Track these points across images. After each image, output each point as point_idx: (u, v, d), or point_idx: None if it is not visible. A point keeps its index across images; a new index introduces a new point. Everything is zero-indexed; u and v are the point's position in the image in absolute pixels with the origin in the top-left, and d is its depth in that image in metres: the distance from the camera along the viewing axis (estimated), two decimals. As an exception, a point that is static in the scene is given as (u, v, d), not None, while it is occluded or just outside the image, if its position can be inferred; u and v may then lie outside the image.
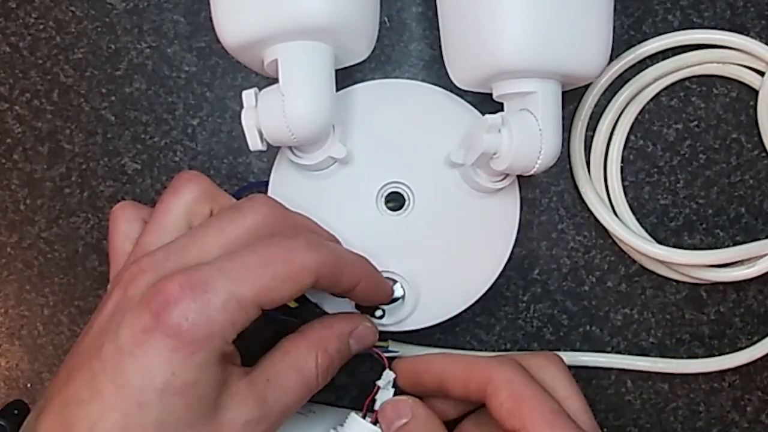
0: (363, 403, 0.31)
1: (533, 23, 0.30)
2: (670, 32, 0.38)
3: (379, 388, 0.31)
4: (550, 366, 0.30)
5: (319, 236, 0.30)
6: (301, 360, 0.28)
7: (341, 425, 0.31)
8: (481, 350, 0.38)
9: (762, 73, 0.38)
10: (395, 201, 0.35)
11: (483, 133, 0.31)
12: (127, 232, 0.30)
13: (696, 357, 0.39)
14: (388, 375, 0.32)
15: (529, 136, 0.31)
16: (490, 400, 0.28)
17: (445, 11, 0.34)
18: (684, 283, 0.39)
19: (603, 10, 0.31)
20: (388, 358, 0.32)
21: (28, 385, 0.39)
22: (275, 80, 0.31)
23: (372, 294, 0.31)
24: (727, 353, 0.39)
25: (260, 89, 0.31)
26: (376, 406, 0.31)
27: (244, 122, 0.31)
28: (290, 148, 0.33)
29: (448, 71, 0.34)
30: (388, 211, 0.35)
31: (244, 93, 0.31)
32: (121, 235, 0.30)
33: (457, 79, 0.34)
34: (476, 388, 0.28)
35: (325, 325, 0.30)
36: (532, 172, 0.31)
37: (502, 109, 0.33)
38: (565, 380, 0.30)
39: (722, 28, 0.38)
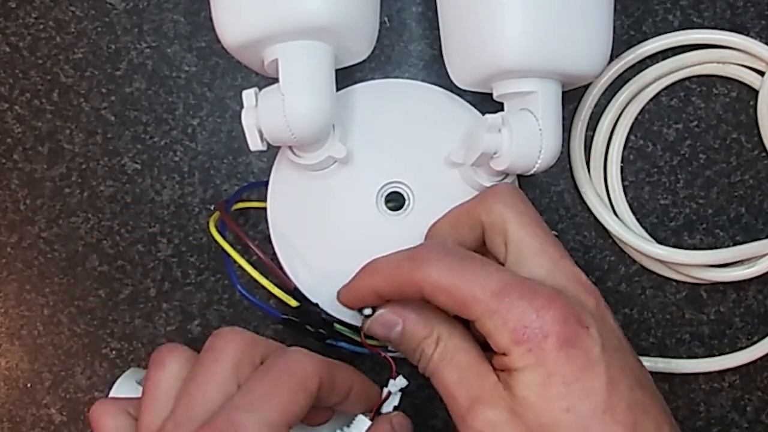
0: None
1: (533, 23, 0.30)
2: (670, 32, 0.38)
3: (390, 393, 0.31)
4: (496, 207, 0.30)
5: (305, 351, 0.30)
6: None
7: (347, 426, 0.31)
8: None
9: (762, 73, 0.38)
10: (395, 201, 0.35)
11: (483, 132, 0.31)
12: (118, 427, 0.29)
13: (696, 357, 0.39)
14: (400, 382, 0.31)
15: (529, 136, 0.31)
16: (432, 303, 0.28)
17: (445, 11, 0.34)
18: (684, 283, 0.39)
19: (603, 10, 0.32)
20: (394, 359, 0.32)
21: (28, 385, 0.39)
22: (275, 80, 0.31)
23: (365, 397, 0.31)
24: (727, 353, 0.39)
25: (260, 89, 0.31)
26: (383, 409, 0.31)
27: (244, 122, 0.31)
28: (290, 147, 0.33)
29: (448, 71, 0.34)
30: (389, 211, 0.35)
31: (244, 93, 0.31)
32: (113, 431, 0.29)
33: (457, 79, 0.34)
34: (416, 296, 0.28)
35: None
36: (532, 172, 0.31)
37: (502, 109, 0.33)
38: (514, 221, 0.29)
39: (722, 28, 0.38)
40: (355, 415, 0.31)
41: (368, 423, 0.30)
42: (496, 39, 0.30)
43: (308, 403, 0.27)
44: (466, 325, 0.30)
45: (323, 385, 0.27)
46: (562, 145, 0.38)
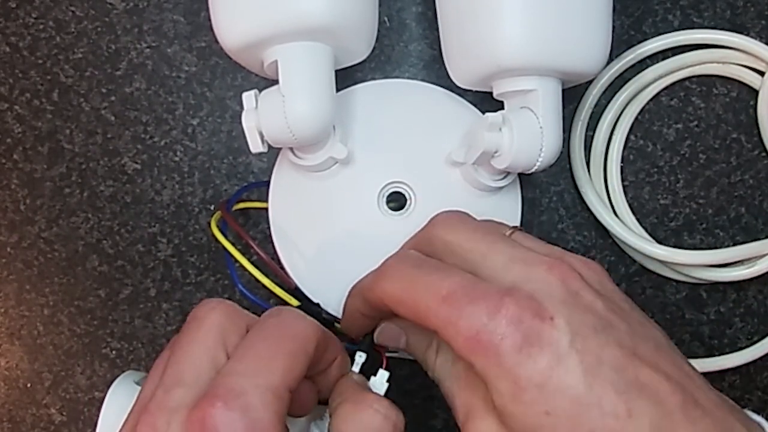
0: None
1: (533, 21, 0.30)
2: (670, 32, 0.38)
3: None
4: (435, 235, 0.29)
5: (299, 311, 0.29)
6: (364, 424, 0.26)
7: (320, 419, 0.30)
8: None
9: (762, 73, 0.38)
10: (397, 201, 0.35)
11: (484, 131, 0.31)
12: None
13: (696, 357, 0.39)
14: (384, 374, 0.31)
15: (530, 134, 0.31)
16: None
17: (445, 10, 0.34)
18: (684, 283, 0.39)
19: (602, 8, 0.32)
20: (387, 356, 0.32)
21: (28, 385, 0.39)
22: (275, 81, 0.31)
23: (343, 370, 0.30)
24: (727, 353, 0.39)
25: (260, 90, 0.31)
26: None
27: (244, 124, 0.31)
28: (291, 149, 0.33)
29: (448, 70, 0.34)
30: (390, 211, 0.35)
31: (244, 95, 0.31)
32: None
33: (457, 78, 0.34)
34: (390, 311, 0.28)
35: (340, 391, 0.29)
36: (533, 170, 0.31)
37: (502, 108, 0.33)
38: (453, 238, 0.28)
39: (722, 28, 0.38)
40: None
41: None
42: (496, 37, 0.30)
43: (307, 366, 0.25)
44: None
45: (319, 347, 0.26)
46: (562, 145, 0.38)
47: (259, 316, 0.27)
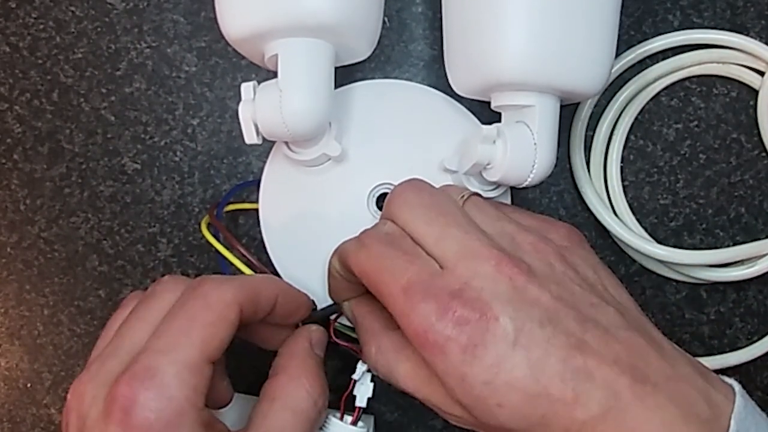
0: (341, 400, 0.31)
1: (535, 38, 0.30)
2: (670, 32, 0.38)
3: (355, 382, 0.31)
4: (396, 214, 0.29)
5: (218, 276, 0.30)
6: (291, 398, 0.28)
7: (320, 429, 0.30)
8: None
9: (762, 73, 0.38)
10: None
11: (478, 143, 0.31)
12: None
13: (696, 357, 0.39)
14: (362, 366, 0.31)
15: (523, 150, 0.31)
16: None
17: (450, 19, 0.34)
18: (684, 283, 0.39)
19: (607, 30, 0.31)
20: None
21: (28, 385, 0.39)
22: (275, 74, 0.31)
23: (293, 307, 0.31)
24: (727, 353, 0.39)
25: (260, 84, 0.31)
26: (357, 402, 0.31)
27: (241, 115, 0.31)
28: (285, 143, 0.33)
29: (449, 78, 0.34)
30: (379, 212, 0.35)
31: (243, 86, 0.31)
32: None
33: (457, 86, 0.34)
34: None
35: (288, 354, 0.30)
36: (524, 185, 0.31)
37: (499, 118, 0.33)
38: (410, 219, 0.28)
39: (722, 28, 0.38)
40: (327, 417, 0.30)
41: (339, 424, 0.30)
42: (497, 51, 0.30)
43: (230, 332, 0.26)
44: None
45: (245, 309, 0.27)
46: (562, 145, 0.38)
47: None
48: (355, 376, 0.31)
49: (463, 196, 0.30)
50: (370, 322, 0.31)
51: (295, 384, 0.28)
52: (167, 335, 0.25)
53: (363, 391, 0.31)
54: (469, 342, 0.24)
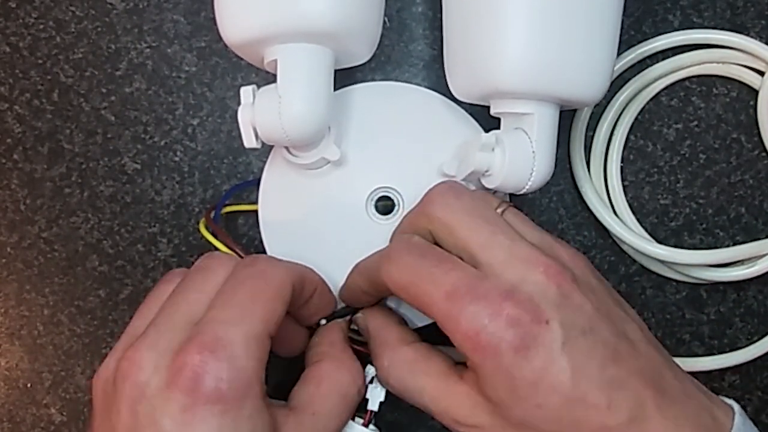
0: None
1: (536, 46, 0.30)
2: (670, 32, 0.38)
3: (367, 387, 0.31)
4: (435, 213, 0.29)
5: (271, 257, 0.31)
6: (338, 382, 0.29)
7: None
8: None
9: (762, 73, 0.38)
10: (385, 206, 0.35)
11: (476, 150, 0.31)
12: None
13: (696, 357, 0.39)
14: (370, 370, 0.31)
15: (521, 157, 0.31)
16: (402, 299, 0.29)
17: (450, 25, 0.33)
18: (684, 283, 0.39)
19: (607, 38, 0.31)
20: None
21: (28, 385, 0.39)
22: (275, 77, 0.31)
23: (325, 301, 0.32)
24: (727, 353, 0.39)
25: (260, 87, 0.31)
26: (369, 406, 0.31)
27: (240, 119, 0.31)
28: (285, 146, 0.33)
29: (448, 83, 0.34)
30: (378, 216, 0.35)
31: (243, 89, 0.31)
32: None
33: (456, 92, 0.34)
34: (388, 293, 0.29)
35: (329, 343, 0.31)
36: (522, 192, 0.31)
37: (498, 123, 0.33)
38: (454, 221, 0.28)
39: (722, 28, 0.38)
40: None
41: (351, 424, 0.30)
42: (497, 59, 0.30)
43: (285, 310, 0.27)
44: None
45: (296, 288, 0.28)
46: (562, 146, 0.38)
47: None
48: (367, 381, 0.31)
49: (501, 205, 0.30)
50: (385, 335, 0.31)
51: (342, 369, 0.29)
52: (231, 307, 0.26)
53: (376, 395, 0.31)
54: (522, 343, 0.25)
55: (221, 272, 0.28)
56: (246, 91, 0.31)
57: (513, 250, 0.27)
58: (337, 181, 0.34)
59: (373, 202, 0.35)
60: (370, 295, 0.32)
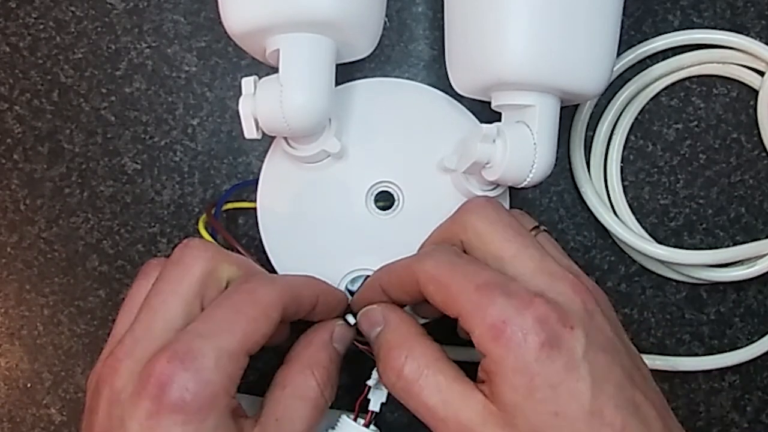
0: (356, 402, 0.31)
1: (537, 38, 0.30)
2: (670, 32, 0.38)
3: (369, 387, 0.31)
4: (469, 222, 0.29)
5: (265, 273, 0.31)
6: (300, 386, 0.29)
7: (332, 428, 0.31)
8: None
9: (762, 73, 0.38)
10: (385, 200, 0.35)
11: (477, 142, 0.31)
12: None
13: (696, 357, 0.39)
14: (375, 374, 0.31)
15: (523, 149, 0.31)
16: (427, 298, 0.28)
17: (452, 17, 0.34)
18: (684, 283, 0.39)
19: (609, 31, 0.31)
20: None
21: (28, 385, 0.39)
22: (276, 70, 0.31)
23: (333, 306, 0.32)
24: (727, 353, 0.39)
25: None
26: (371, 407, 0.31)
27: (241, 109, 0.31)
28: (285, 138, 0.33)
29: (450, 77, 0.34)
30: (377, 210, 0.35)
31: (244, 80, 0.31)
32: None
33: (457, 85, 0.34)
34: (415, 290, 0.29)
35: (305, 343, 0.31)
36: (523, 185, 0.31)
37: (499, 118, 0.33)
38: (488, 231, 0.29)
39: (722, 28, 0.38)
40: (339, 416, 0.31)
41: (352, 424, 0.30)
42: (499, 50, 0.30)
43: (270, 329, 0.27)
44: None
45: (287, 309, 0.28)
46: (562, 146, 0.38)
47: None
48: (369, 382, 0.31)
49: (535, 227, 0.31)
50: (407, 327, 0.30)
51: (304, 373, 0.29)
52: (211, 321, 0.26)
53: (377, 396, 0.31)
54: (547, 341, 0.25)
55: (197, 269, 0.28)
56: (247, 82, 0.31)
57: (542, 264, 0.28)
58: (337, 175, 0.34)
59: (373, 197, 0.35)
60: (386, 294, 0.31)
